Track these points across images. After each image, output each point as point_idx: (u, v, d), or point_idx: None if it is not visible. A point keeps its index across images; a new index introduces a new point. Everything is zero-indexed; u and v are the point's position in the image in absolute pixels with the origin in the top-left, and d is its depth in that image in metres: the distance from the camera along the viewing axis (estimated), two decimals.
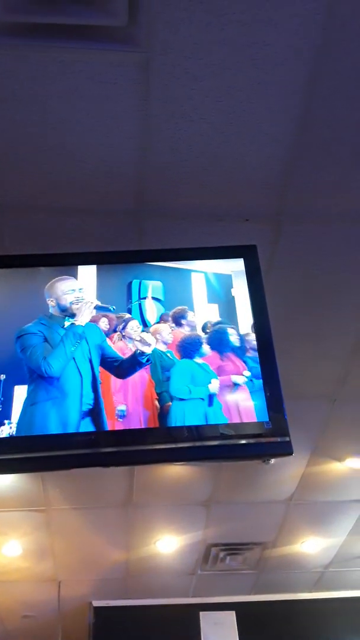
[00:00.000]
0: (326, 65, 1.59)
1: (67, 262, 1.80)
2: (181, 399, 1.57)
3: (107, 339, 1.67)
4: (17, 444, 1.51)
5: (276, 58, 1.57)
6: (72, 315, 1.67)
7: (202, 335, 1.69)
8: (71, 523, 3.51)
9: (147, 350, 1.61)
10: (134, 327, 1.69)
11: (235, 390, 1.60)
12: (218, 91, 1.63)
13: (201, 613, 4.29)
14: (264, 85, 1.63)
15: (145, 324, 1.71)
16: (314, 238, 2.08)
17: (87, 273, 1.78)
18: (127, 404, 1.57)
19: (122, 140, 1.74)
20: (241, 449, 1.56)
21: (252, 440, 1.54)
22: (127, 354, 1.65)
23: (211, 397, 1.57)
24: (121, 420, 1.55)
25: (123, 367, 1.62)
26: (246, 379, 1.61)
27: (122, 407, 1.56)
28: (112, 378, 1.62)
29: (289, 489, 3.40)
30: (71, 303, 1.68)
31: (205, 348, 1.66)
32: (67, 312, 1.68)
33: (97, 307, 1.69)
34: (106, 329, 1.69)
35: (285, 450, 1.53)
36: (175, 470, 3.18)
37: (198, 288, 1.78)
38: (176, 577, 4.15)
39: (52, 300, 1.70)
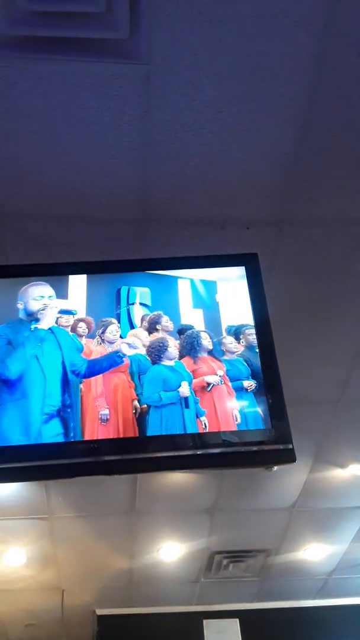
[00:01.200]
0: (325, 73, 1.61)
1: (57, 272, 1.82)
2: (156, 407, 1.59)
3: (83, 344, 1.69)
4: (15, 452, 1.52)
5: (275, 67, 1.58)
6: (37, 320, 1.69)
7: (174, 339, 1.71)
8: (74, 531, 3.50)
9: (129, 352, 1.64)
10: (112, 331, 1.72)
11: (210, 391, 1.62)
12: (218, 101, 1.65)
13: (205, 621, 4.27)
14: (263, 94, 1.65)
15: (133, 328, 1.74)
16: (316, 244, 2.09)
17: (77, 281, 1.81)
18: (109, 407, 1.59)
19: (124, 151, 1.76)
20: (244, 457, 1.56)
21: (254, 448, 1.55)
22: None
23: (186, 400, 1.59)
24: (104, 423, 1.56)
25: (98, 364, 1.63)
26: (219, 379, 1.64)
27: (105, 411, 1.58)
28: (93, 382, 1.63)
29: (291, 496, 3.40)
30: (38, 310, 1.70)
31: (173, 351, 1.68)
32: (33, 317, 1.70)
33: (61, 311, 1.71)
34: (84, 334, 1.72)
35: (288, 457, 1.53)
36: (178, 478, 3.17)
37: (184, 294, 1.81)
38: (180, 585, 4.13)
39: (21, 304, 1.73)
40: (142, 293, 1.79)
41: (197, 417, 1.58)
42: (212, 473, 3.11)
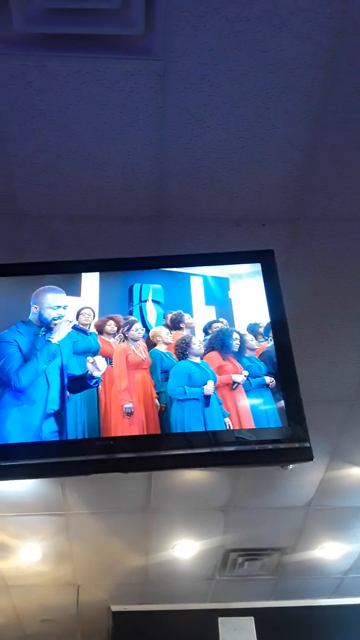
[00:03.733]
0: (341, 69, 1.59)
1: (70, 270, 1.82)
2: (178, 400, 1.59)
3: (100, 344, 1.70)
4: (33, 449, 1.54)
5: (291, 63, 1.57)
6: (50, 330, 1.68)
7: (202, 336, 1.71)
8: (90, 528, 3.53)
9: (97, 373, 1.63)
10: (138, 329, 1.72)
11: (234, 389, 1.62)
12: (234, 97, 1.64)
13: (220, 619, 4.27)
14: (279, 90, 1.63)
15: (146, 326, 1.74)
16: (332, 241, 2.07)
17: (90, 279, 1.81)
18: (133, 401, 1.60)
19: (140, 147, 1.76)
20: (260, 455, 1.56)
21: (270, 446, 1.54)
22: (129, 356, 1.68)
23: (208, 398, 1.59)
24: (128, 417, 1.57)
25: (73, 384, 1.64)
26: (245, 379, 1.63)
27: (129, 405, 1.59)
28: (117, 376, 1.65)
29: (307, 494, 3.38)
30: (53, 319, 1.70)
31: (200, 348, 1.68)
32: (45, 325, 1.69)
33: (74, 327, 1.70)
34: (113, 332, 1.72)
35: (305, 456, 1.52)
36: (193, 476, 3.17)
37: (196, 291, 1.81)
38: (195, 582, 4.13)
39: (36, 308, 1.72)
40: (154, 290, 1.79)
41: (223, 416, 1.58)
42: (227, 471, 3.10)
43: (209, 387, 1.60)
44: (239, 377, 1.64)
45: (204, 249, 1.95)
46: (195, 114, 1.67)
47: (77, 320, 1.74)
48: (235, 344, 1.70)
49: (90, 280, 1.82)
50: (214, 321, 1.74)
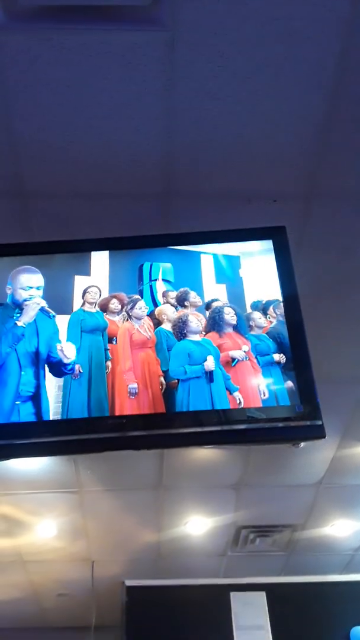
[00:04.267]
0: (357, 39, 1.54)
1: (79, 249, 1.81)
2: (182, 380, 1.59)
3: (108, 322, 1.69)
4: (49, 427, 1.55)
5: (304, 32, 1.52)
6: (21, 311, 1.66)
7: (202, 314, 1.70)
8: (103, 504, 3.58)
9: (67, 360, 1.62)
10: (141, 307, 1.72)
11: (234, 366, 1.62)
12: (245, 68, 1.60)
13: (232, 593, 4.33)
14: (292, 61, 1.59)
15: (156, 305, 1.73)
16: (345, 218, 2.03)
17: (100, 258, 1.80)
18: (138, 381, 1.60)
19: (148, 122, 1.72)
20: (270, 433, 1.56)
21: (280, 424, 1.53)
22: (134, 335, 1.68)
23: (210, 374, 1.59)
24: (133, 397, 1.57)
25: (53, 369, 1.63)
26: (244, 354, 1.63)
27: (134, 385, 1.59)
28: (122, 357, 1.65)
29: (318, 472, 3.39)
30: (24, 300, 1.68)
31: (199, 325, 1.68)
32: (17, 307, 1.68)
33: (41, 309, 1.67)
34: (117, 310, 1.72)
35: (317, 433, 1.51)
36: (204, 454, 3.19)
37: (207, 269, 1.79)
38: (207, 558, 4.19)
39: (9, 289, 1.71)
40: (164, 269, 1.78)
41: (228, 392, 1.58)
42: (238, 449, 3.11)
43: (209, 363, 1.60)
44: (237, 353, 1.63)
45: (213, 227, 1.92)
46: (205, 86, 1.63)
47: (82, 298, 1.73)
48: (229, 318, 1.68)
49: (100, 260, 1.81)
50: (213, 300, 1.73)
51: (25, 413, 1.55)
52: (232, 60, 1.57)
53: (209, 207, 1.96)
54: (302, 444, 1.59)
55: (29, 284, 1.70)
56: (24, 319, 1.65)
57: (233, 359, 1.63)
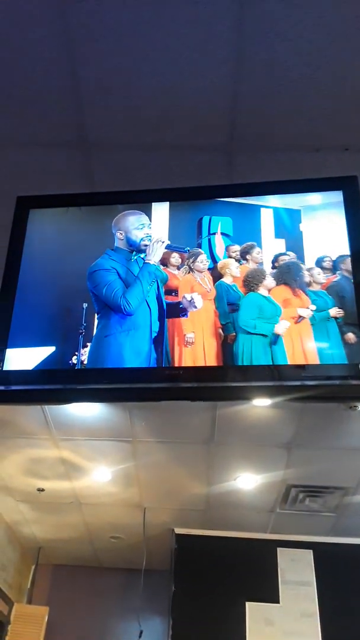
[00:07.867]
0: None
1: (140, 200, 1.81)
2: (247, 332, 1.58)
3: (167, 275, 1.70)
4: (104, 375, 1.58)
5: None
6: (142, 251, 1.68)
7: (269, 269, 1.67)
8: (155, 455, 3.68)
9: (193, 310, 1.62)
10: (203, 260, 1.71)
11: (299, 322, 1.59)
12: (319, 5, 1.49)
13: (279, 549, 4.41)
14: None
15: (214, 259, 1.72)
16: None
17: (160, 210, 1.79)
18: (195, 331, 1.60)
19: (214, 66, 1.66)
20: (327, 391, 1.53)
21: (337, 382, 1.50)
22: (194, 287, 1.68)
23: (277, 337, 1.57)
24: (189, 346, 1.58)
25: (170, 310, 1.64)
26: (311, 313, 1.60)
27: (191, 334, 1.60)
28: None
29: None
30: (141, 239, 1.69)
31: (270, 281, 1.65)
32: (136, 247, 1.69)
33: (168, 246, 1.69)
34: (177, 264, 1.72)
35: None
36: (257, 412, 3.20)
37: (266, 223, 1.75)
38: (255, 513, 4.26)
39: (121, 233, 1.72)
40: (223, 222, 1.76)
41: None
42: (291, 409, 3.10)
43: (281, 327, 1.58)
44: (305, 312, 1.60)
45: (279, 178, 1.86)
46: (275, 26, 1.54)
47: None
48: (307, 276, 1.64)
49: (161, 212, 1.80)
50: (281, 254, 1.69)
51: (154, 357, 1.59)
52: None
53: (274, 158, 1.89)
54: None
55: (141, 222, 1.74)
56: (154, 258, 1.68)
57: (300, 316, 1.60)
